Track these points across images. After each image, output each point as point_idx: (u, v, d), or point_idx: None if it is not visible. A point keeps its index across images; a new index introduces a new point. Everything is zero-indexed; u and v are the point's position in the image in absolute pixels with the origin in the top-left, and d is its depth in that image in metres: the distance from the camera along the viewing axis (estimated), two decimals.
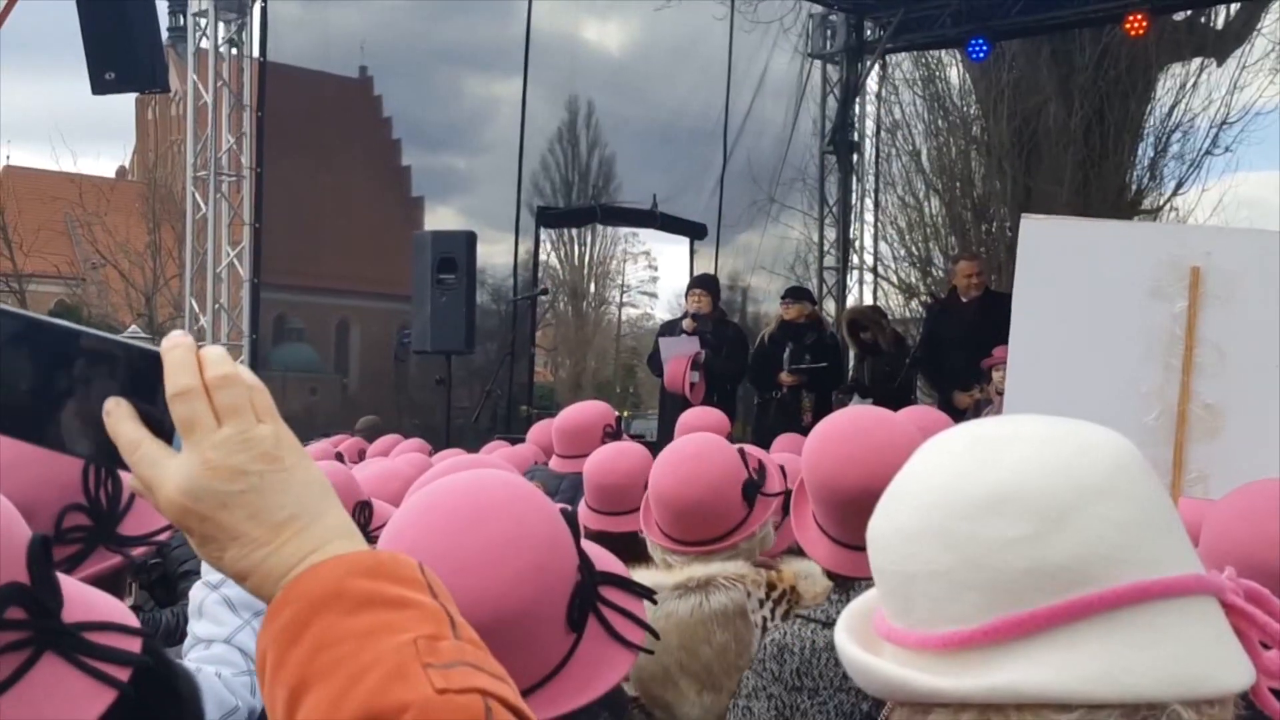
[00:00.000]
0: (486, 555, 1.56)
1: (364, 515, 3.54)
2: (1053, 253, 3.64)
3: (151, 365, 1.07)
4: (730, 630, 2.85)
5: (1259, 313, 3.44)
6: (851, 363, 11.38)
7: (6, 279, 35.45)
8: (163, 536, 1.95)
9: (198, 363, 1.06)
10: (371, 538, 3.63)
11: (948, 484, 1.10)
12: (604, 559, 1.74)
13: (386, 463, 5.14)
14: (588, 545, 1.74)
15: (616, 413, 5.45)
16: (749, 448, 3.37)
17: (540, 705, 1.53)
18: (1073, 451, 1.10)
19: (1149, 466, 1.14)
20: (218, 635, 2.63)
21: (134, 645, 1.20)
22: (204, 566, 2.77)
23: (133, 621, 1.22)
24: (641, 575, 2.96)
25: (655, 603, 1.73)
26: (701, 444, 3.19)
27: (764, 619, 2.86)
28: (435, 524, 1.62)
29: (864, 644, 1.16)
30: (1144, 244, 3.60)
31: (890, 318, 12.04)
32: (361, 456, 6.97)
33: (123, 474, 1.17)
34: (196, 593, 2.72)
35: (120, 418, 1.05)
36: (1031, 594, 1.05)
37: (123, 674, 1.18)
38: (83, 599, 1.23)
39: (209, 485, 1.02)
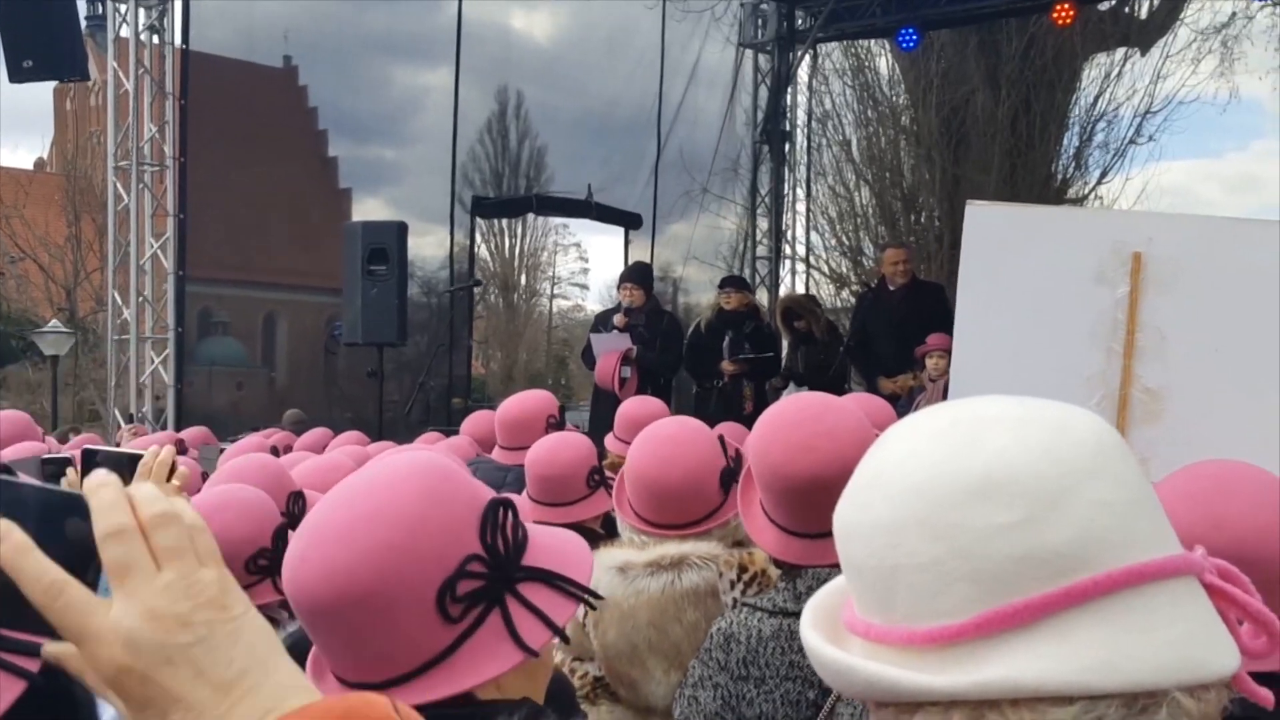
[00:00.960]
0: (340, 530, 1.51)
1: (297, 505, 3.50)
2: (997, 239, 3.65)
3: (64, 506, 0.92)
4: (701, 609, 2.84)
5: (1200, 297, 3.47)
6: (785, 351, 11.39)
7: None
8: None
9: (129, 502, 0.93)
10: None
11: (928, 471, 1.05)
12: (557, 551, 1.64)
13: (328, 455, 5.06)
14: (549, 535, 1.66)
15: (559, 403, 5.38)
16: (728, 435, 3.34)
17: (407, 694, 1.47)
18: (1055, 431, 1.05)
19: (1125, 443, 1.09)
20: None
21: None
22: None
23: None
24: (614, 551, 2.94)
25: (594, 607, 1.64)
26: (683, 427, 3.16)
27: (734, 599, 2.83)
28: (325, 501, 1.59)
29: (833, 640, 1.10)
30: (1087, 230, 3.62)
31: (823, 307, 12.06)
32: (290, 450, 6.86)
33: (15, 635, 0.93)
34: None
35: (24, 549, 0.88)
36: (1024, 582, 1.00)
37: (32, 665, 1.12)
38: None
39: (152, 638, 0.88)
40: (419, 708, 1.43)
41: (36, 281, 35.74)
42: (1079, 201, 17.55)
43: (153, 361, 12.29)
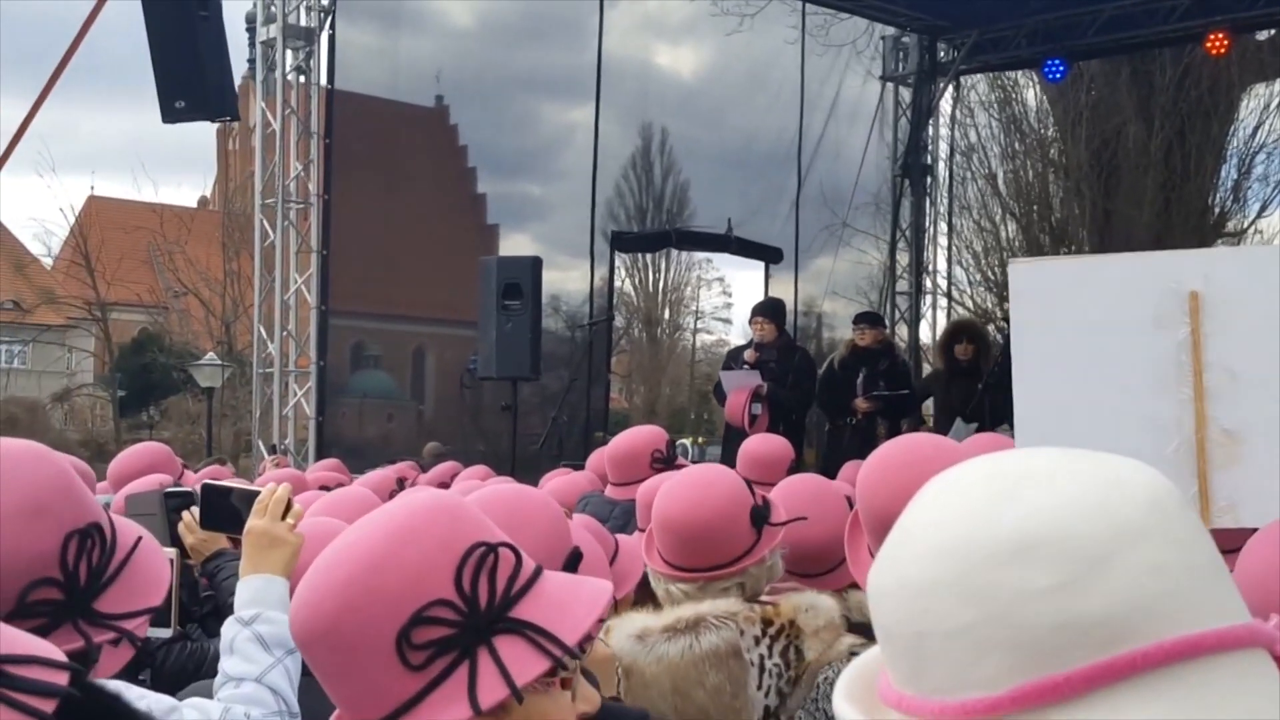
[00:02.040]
0: (317, 565, 1.51)
1: None
2: (1046, 294, 3.55)
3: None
4: (724, 671, 2.72)
5: (1263, 331, 3.33)
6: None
7: (90, 307, 36.19)
8: (138, 621, 1.83)
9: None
10: None
11: (962, 528, 0.96)
12: (559, 603, 1.53)
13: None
14: (561, 585, 1.56)
15: (679, 441, 5.32)
16: (788, 488, 3.29)
17: None
18: (1104, 487, 0.96)
19: (1186, 501, 0.99)
20: (249, 674, 2.58)
21: (60, 679, 1.11)
22: (237, 601, 2.71)
23: (58, 656, 1.13)
24: (633, 618, 2.83)
25: (566, 666, 1.54)
26: (707, 471, 3.11)
27: (761, 656, 2.73)
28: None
29: (869, 713, 1.01)
30: (1138, 274, 3.50)
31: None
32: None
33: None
34: (228, 629, 2.67)
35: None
36: (1065, 652, 0.90)
37: (47, 705, 1.10)
38: (4, 634, 1.15)
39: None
40: None
41: (197, 316, 37.03)
42: (1237, 236, 17.00)
43: (296, 394, 12.57)
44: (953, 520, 0.97)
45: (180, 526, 3.64)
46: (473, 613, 1.46)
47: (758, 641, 2.74)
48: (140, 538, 1.87)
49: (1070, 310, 3.49)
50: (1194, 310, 3.33)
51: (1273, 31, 16.04)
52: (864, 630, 2.90)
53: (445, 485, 6.33)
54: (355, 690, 1.46)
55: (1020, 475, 0.98)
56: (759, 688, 2.74)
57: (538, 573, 1.54)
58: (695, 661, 2.71)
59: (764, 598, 2.92)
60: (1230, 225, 17.49)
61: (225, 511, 3.36)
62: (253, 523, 2.81)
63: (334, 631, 1.45)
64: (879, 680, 1.03)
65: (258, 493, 2.95)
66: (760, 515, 2.94)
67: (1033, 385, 3.51)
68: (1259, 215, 17.63)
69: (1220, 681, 0.91)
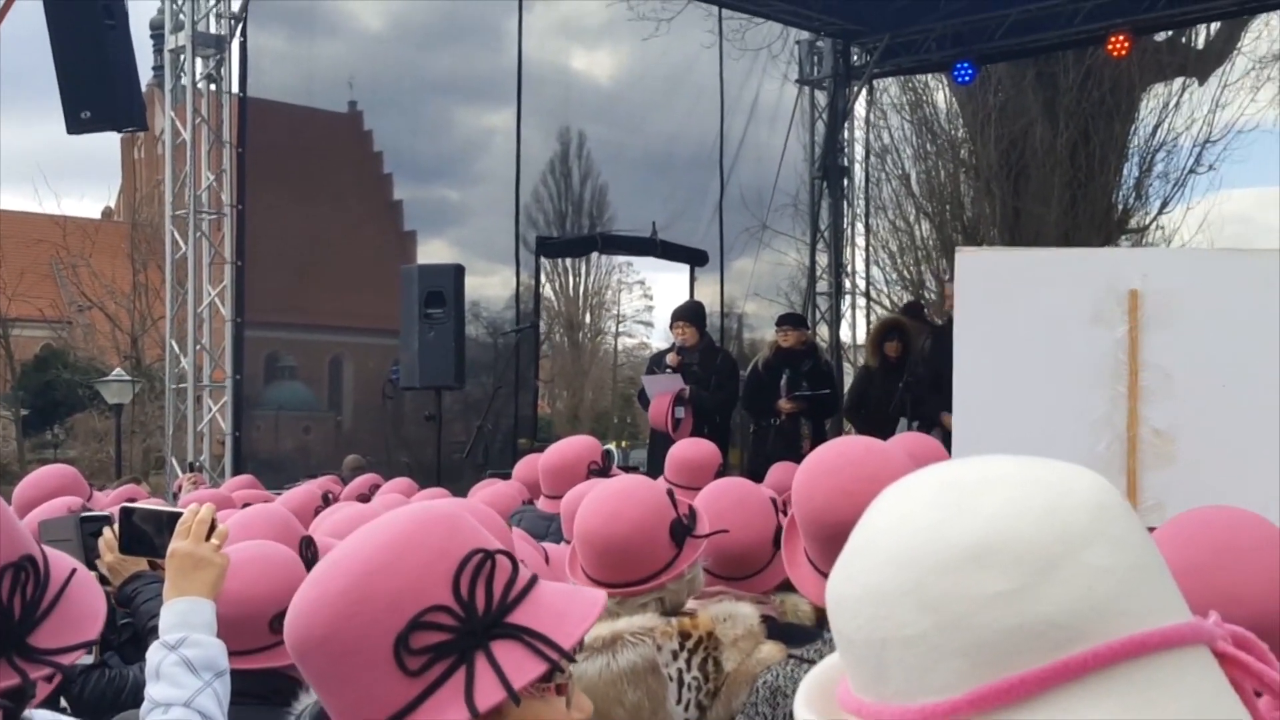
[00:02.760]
0: (314, 575, 1.53)
1: (309, 552, 3.47)
2: (990, 285, 3.57)
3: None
4: (642, 688, 2.70)
5: (1200, 333, 3.37)
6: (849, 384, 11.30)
7: None
8: (73, 656, 1.80)
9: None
10: None
11: (919, 536, 0.97)
12: (555, 610, 1.56)
13: (365, 505, 5.04)
14: (557, 593, 1.59)
15: (604, 447, 5.32)
16: (783, 476, 3.28)
17: None
18: (1054, 493, 0.98)
19: (1129, 504, 1.02)
20: (176, 699, 2.54)
21: None
22: (162, 625, 2.67)
23: None
24: None
25: (562, 669, 1.57)
26: (628, 483, 3.09)
27: (679, 670, 2.73)
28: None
29: (829, 718, 1.04)
30: (1081, 270, 3.53)
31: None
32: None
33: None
34: (154, 654, 2.62)
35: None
36: (1019, 655, 0.92)
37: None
38: None
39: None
40: None
41: (103, 330, 36.26)
42: (1140, 232, 17.34)
43: (210, 409, 12.39)
44: (909, 528, 0.99)
45: (100, 544, 3.56)
46: (470, 618, 1.48)
47: (675, 656, 2.73)
48: (75, 570, 1.84)
49: (1013, 302, 3.51)
50: (1133, 309, 3.36)
51: (1171, 33, 16.41)
52: (785, 636, 2.91)
53: (365, 498, 6.28)
54: (352, 696, 1.47)
55: (972, 483, 1.00)
56: (679, 702, 2.72)
57: (533, 581, 1.56)
58: (613, 680, 2.69)
59: (685, 608, 2.92)
60: (1133, 222, 17.84)
61: (145, 534, 3.30)
62: (176, 545, 2.76)
63: (332, 638, 1.46)
64: (839, 687, 1.05)
65: (179, 514, 2.90)
66: (682, 528, 2.92)
67: (973, 372, 3.54)
68: (1160, 212, 18.01)
69: (1166, 678, 0.94)
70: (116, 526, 3.35)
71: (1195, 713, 0.94)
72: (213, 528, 2.80)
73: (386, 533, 1.53)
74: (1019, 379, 3.51)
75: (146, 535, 3.27)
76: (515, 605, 1.52)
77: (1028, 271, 3.63)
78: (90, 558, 3.61)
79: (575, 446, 5.15)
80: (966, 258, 3.68)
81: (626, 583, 2.88)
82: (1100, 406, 3.41)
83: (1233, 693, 0.98)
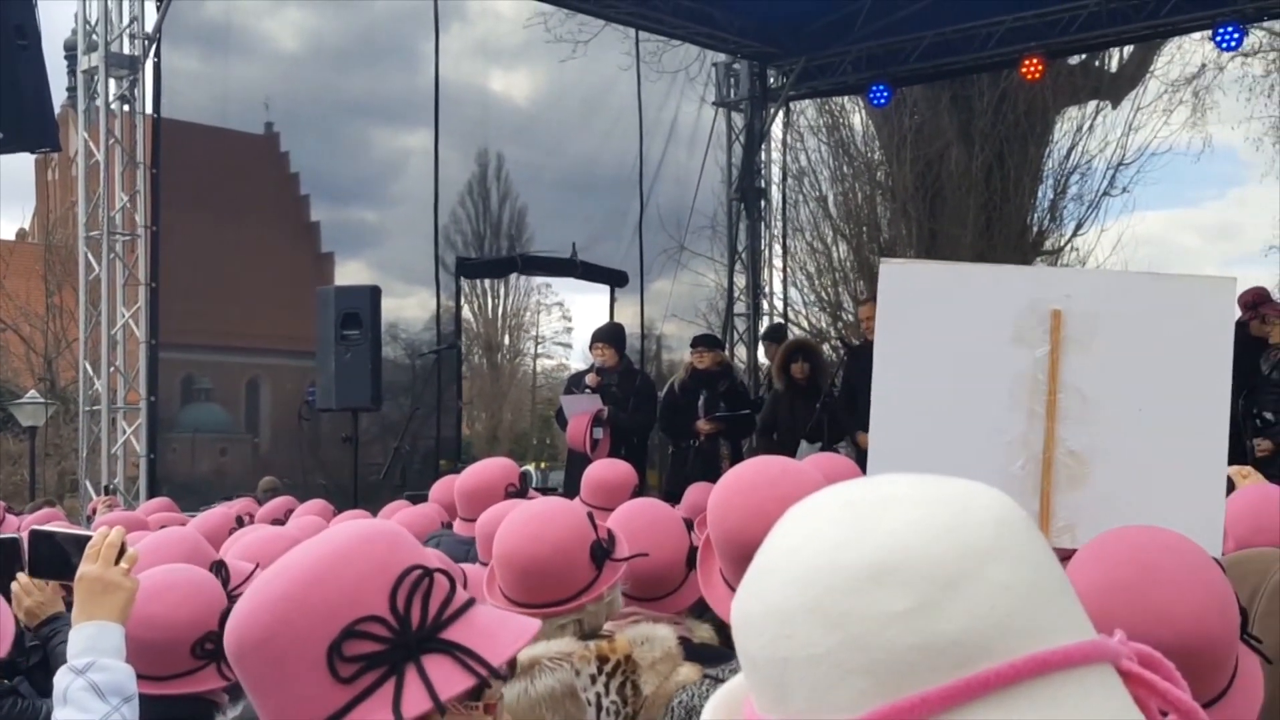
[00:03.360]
0: (258, 583, 1.55)
1: (222, 574, 3.46)
2: (913, 298, 3.55)
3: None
4: (560, 713, 2.69)
5: (1118, 356, 3.37)
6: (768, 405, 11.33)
7: None
8: None
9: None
10: (231, 595, 3.56)
11: (821, 555, 0.97)
12: (487, 630, 1.58)
13: (280, 528, 4.98)
14: (493, 616, 1.62)
15: (522, 469, 5.29)
16: (701, 497, 3.28)
17: None
18: (955, 511, 0.98)
19: (1032, 522, 1.02)
20: None
21: None
22: (70, 649, 2.62)
23: None
24: None
25: (489, 684, 1.59)
26: (548, 505, 3.10)
27: (598, 695, 2.73)
28: None
29: None
30: (1005, 287, 3.52)
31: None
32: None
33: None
34: (61, 678, 2.58)
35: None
36: (921, 674, 0.92)
37: None
38: None
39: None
40: None
41: (18, 352, 35.65)
42: (1055, 254, 17.61)
43: (125, 431, 12.19)
44: (812, 547, 0.99)
45: (15, 588, 3.49)
46: (404, 631, 1.51)
47: (594, 680, 2.72)
48: None
49: (935, 315, 3.49)
50: (1055, 328, 3.37)
51: (1084, 56, 16.70)
52: (701, 657, 2.91)
53: (280, 521, 6.21)
54: (284, 701, 1.49)
55: (874, 502, 1.00)
56: None
57: (470, 603, 1.60)
58: (531, 705, 2.67)
59: (603, 631, 2.92)
60: (1048, 243, 18.11)
61: (55, 558, 3.23)
62: (85, 569, 2.72)
63: (268, 642, 1.48)
64: (744, 708, 1.04)
65: (88, 537, 2.85)
66: (601, 551, 2.93)
67: (891, 385, 3.51)
68: (1074, 234, 18.31)
69: (1069, 697, 0.93)
70: (27, 549, 3.29)
71: None
72: (122, 551, 2.76)
73: (329, 544, 1.56)
74: (938, 394, 3.50)
75: (56, 559, 3.21)
76: (450, 623, 1.55)
77: (952, 285, 3.60)
78: (3, 582, 3.54)
79: (492, 469, 5.12)
80: (891, 268, 3.65)
81: (545, 603, 2.87)
82: (1017, 426, 3.41)
83: (1138, 712, 0.98)
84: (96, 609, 2.68)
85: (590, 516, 3.03)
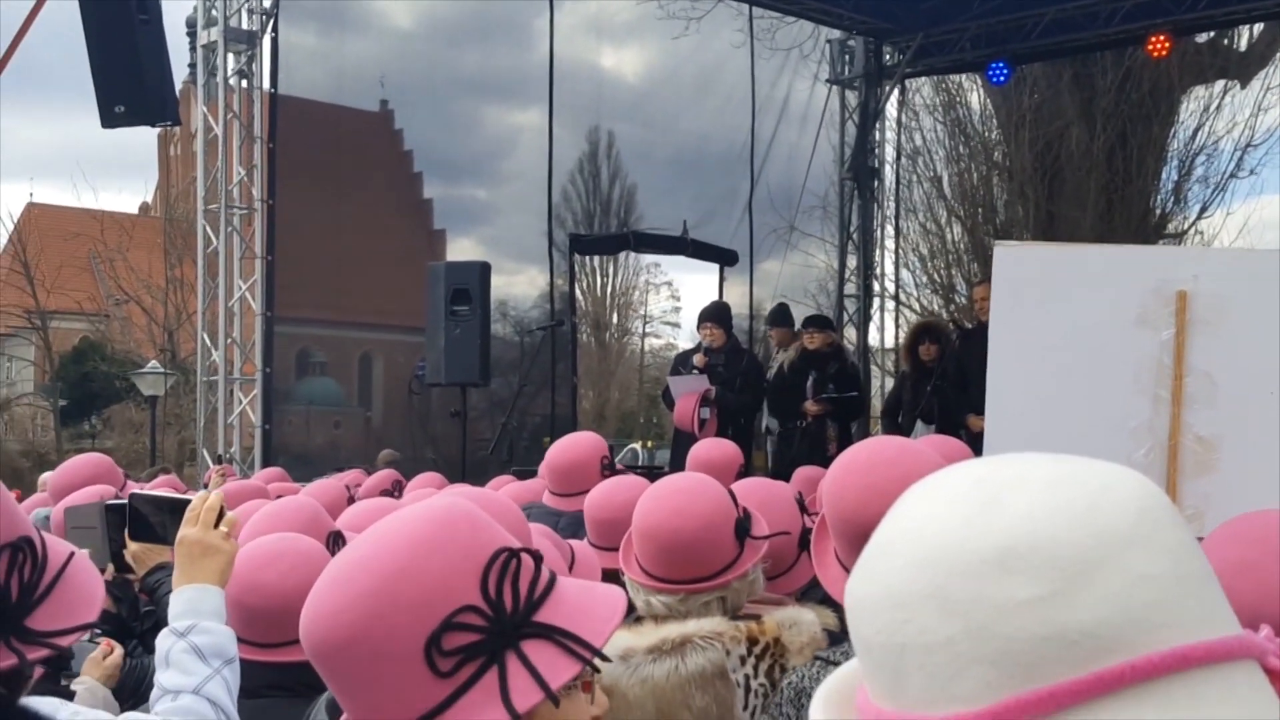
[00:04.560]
0: (336, 575, 1.50)
1: (337, 546, 3.47)
2: (1031, 282, 3.45)
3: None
4: (710, 693, 2.66)
5: (1251, 337, 3.24)
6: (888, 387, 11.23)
7: (29, 315, 35.69)
8: (70, 638, 1.79)
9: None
10: None
11: (945, 537, 0.92)
12: (580, 607, 1.54)
13: (396, 500, 5.04)
14: (579, 590, 1.57)
15: (631, 446, 5.28)
16: (809, 479, 3.23)
17: None
18: (1092, 493, 0.92)
19: (1176, 510, 0.95)
20: (185, 686, 2.53)
21: None
22: (171, 612, 2.65)
23: None
24: (615, 636, 2.79)
25: (597, 669, 1.54)
26: (693, 480, 3.05)
27: (746, 677, 2.68)
28: (346, 546, 1.58)
29: None
30: (1127, 269, 3.40)
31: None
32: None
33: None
34: (163, 641, 2.62)
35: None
36: (1050, 666, 0.86)
37: None
38: None
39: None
40: None
41: (140, 323, 36.58)
42: (1178, 237, 17.16)
43: (241, 402, 12.44)
44: (933, 530, 0.93)
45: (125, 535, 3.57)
46: (499, 618, 1.47)
47: (743, 661, 2.69)
48: (72, 553, 1.82)
49: (1052, 299, 3.39)
50: (1180, 310, 3.25)
51: (1212, 34, 16.23)
52: (844, 640, 2.87)
53: (388, 492, 6.27)
54: (377, 698, 1.45)
55: (1003, 482, 0.94)
56: (745, 708, 2.70)
57: (554, 578, 1.55)
58: (681, 684, 2.65)
59: (747, 613, 2.87)
60: (1171, 226, 17.66)
61: (154, 522, 3.28)
62: (184, 532, 2.76)
63: (359, 640, 1.44)
64: (858, 694, 0.99)
65: (187, 501, 2.89)
66: (744, 528, 2.90)
67: (1007, 372, 3.42)
68: (1199, 216, 17.82)
69: (1210, 694, 0.88)
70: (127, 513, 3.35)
71: None
72: (221, 515, 2.78)
73: (410, 532, 1.50)
74: (1056, 379, 3.39)
75: (156, 523, 3.26)
76: (541, 603, 1.51)
77: (1069, 268, 3.49)
78: (115, 546, 3.61)
79: (583, 443, 5.11)
80: (1006, 251, 3.56)
81: (691, 579, 2.85)
82: (1143, 411, 3.29)
83: None
84: (197, 572, 2.71)
85: (732, 494, 2.99)
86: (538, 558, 1.53)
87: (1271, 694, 0.92)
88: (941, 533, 0.92)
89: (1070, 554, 0.88)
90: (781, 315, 12.48)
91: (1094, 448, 3.38)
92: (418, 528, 1.51)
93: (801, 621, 2.77)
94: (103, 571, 3.29)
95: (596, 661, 1.52)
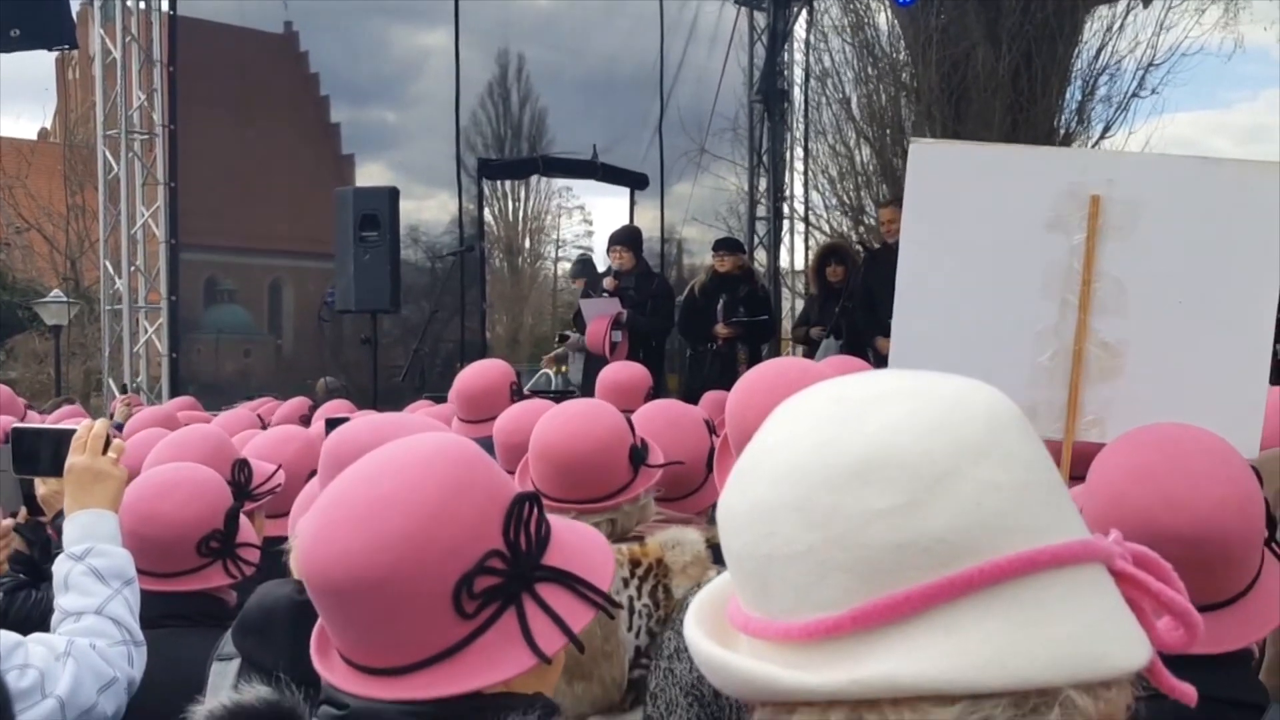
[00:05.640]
0: (360, 513, 1.48)
1: (243, 474, 3.54)
2: (944, 181, 3.40)
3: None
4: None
5: (1162, 245, 3.23)
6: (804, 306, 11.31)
7: None
8: None
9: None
10: (252, 494, 3.58)
11: (806, 452, 0.96)
12: (580, 551, 1.59)
13: (305, 429, 5.02)
14: (571, 533, 1.62)
15: (522, 369, 5.31)
16: (717, 403, 3.27)
17: (406, 687, 1.45)
18: (945, 408, 0.97)
19: (1027, 421, 1.00)
20: (88, 607, 2.56)
21: None
22: (66, 538, 2.67)
23: None
24: None
25: (612, 616, 1.60)
26: (592, 405, 3.09)
27: (630, 598, 2.74)
28: (344, 478, 1.56)
29: (718, 637, 1.02)
30: (1042, 171, 3.37)
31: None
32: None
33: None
34: (60, 566, 2.64)
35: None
36: (905, 572, 0.92)
37: None
38: None
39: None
40: (422, 700, 1.44)
41: (41, 252, 35.70)
42: None
43: (147, 331, 12.26)
44: (797, 444, 0.98)
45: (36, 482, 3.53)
46: (518, 562, 1.50)
47: (626, 583, 2.73)
48: None
49: (965, 200, 3.34)
50: (1093, 215, 3.23)
51: None
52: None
53: (303, 421, 6.25)
54: (391, 636, 1.47)
55: (861, 399, 0.99)
56: (629, 629, 2.74)
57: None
58: None
59: (631, 536, 2.92)
60: (1075, 146, 17.84)
61: (39, 453, 3.25)
62: (73, 459, 2.77)
63: (388, 581, 1.44)
64: (729, 604, 1.04)
65: (72, 431, 2.89)
66: (639, 455, 2.94)
67: (917, 273, 3.39)
68: (1103, 136, 18.01)
69: (1055, 596, 0.93)
70: (11, 445, 3.31)
71: (1084, 631, 0.93)
72: (108, 443, 2.79)
73: (437, 473, 1.50)
74: (966, 281, 3.37)
75: (42, 454, 3.23)
76: (546, 545, 1.55)
77: (986, 167, 3.45)
78: (27, 488, 3.57)
79: (492, 370, 5.13)
80: (921, 148, 3.52)
81: (582, 500, 2.88)
82: (1049, 315, 3.29)
83: (1128, 612, 0.97)
84: (89, 498, 2.73)
85: (630, 423, 3.03)
86: (538, 501, 1.57)
87: (1115, 594, 0.98)
88: (803, 449, 0.97)
89: (923, 465, 0.93)
90: (583, 268, 12.65)
91: (998, 349, 3.43)
92: (444, 470, 1.51)
93: (684, 541, 2.81)
94: (14, 514, 3.28)
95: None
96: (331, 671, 1.53)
